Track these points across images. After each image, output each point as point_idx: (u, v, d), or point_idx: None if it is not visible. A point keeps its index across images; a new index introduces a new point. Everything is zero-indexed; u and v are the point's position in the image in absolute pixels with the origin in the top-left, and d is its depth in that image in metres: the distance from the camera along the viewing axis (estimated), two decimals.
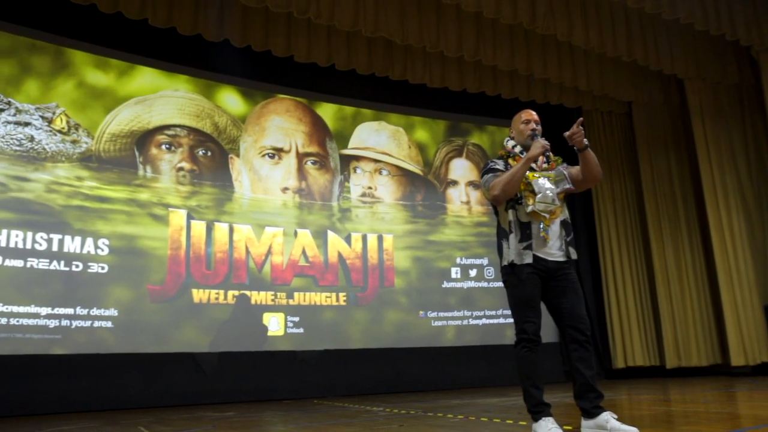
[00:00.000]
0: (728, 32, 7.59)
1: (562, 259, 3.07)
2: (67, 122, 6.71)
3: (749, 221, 8.37)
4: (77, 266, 6.46)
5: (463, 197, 9.04)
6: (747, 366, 7.90)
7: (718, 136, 8.55)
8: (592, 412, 2.89)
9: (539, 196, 3.04)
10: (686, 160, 9.14)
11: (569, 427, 3.10)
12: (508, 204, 3.09)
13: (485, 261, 8.80)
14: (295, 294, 7.59)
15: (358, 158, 8.49)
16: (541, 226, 3.04)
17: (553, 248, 3.06)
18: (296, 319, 7.51)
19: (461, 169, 9.15)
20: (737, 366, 7.90)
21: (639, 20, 7.93)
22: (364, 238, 8.21)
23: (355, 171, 8.42)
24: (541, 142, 3.09)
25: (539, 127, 3.20)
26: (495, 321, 8.62)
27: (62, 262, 6.38)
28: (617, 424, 2.78)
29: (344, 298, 7.89)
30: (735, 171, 8.48)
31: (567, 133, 3.06)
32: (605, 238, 9.21)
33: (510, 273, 3.05)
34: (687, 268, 8.76)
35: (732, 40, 7.86)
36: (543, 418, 2.86)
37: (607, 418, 2.82)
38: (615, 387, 7.01)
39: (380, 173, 8.57)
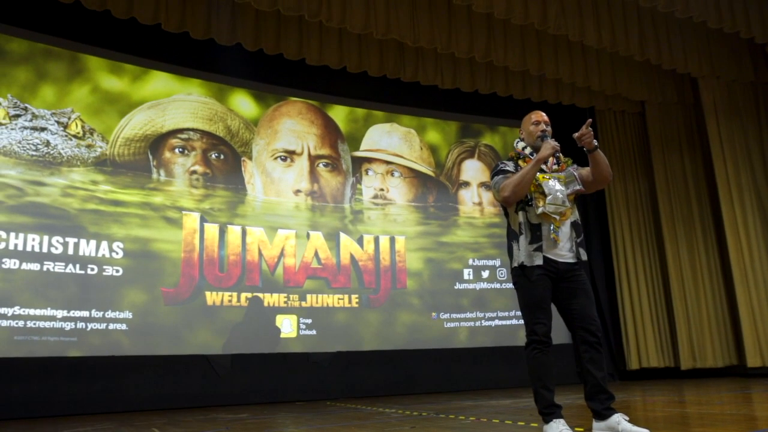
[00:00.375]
0: (742, 30, 7.52)
1: (572, 260, 3.07)
2: (82, 127, 6.79)
3: (765, 220, 8.29)
4: (92, 269, 6.53)
5: (475, 198, 9.03)
6: (764, 367, 7.82)
7: (733, 135, 8.48)
8: (603, 414, 2.88)
9: (549, 197, 3.03)
10: (700, 159, 9.06)
11: (581, 429, 3.09)
12: (518, 206, 3.09)
13: (497, 262, 8.78)
14: (308, 296, 7.62)
15: (370, 160, 8.51)
16: (552, 227, 3.04)
17: (564, 250, 3.05)
18: (309, 321, 7.53)
19: (473, 170, 9.14)
20: (753, 367, 7.83)
21: (652, 19, 7.88)
22: (377, 240, 8.22)
23: (367, 173, 8.44)
24: (550, 143, 3.08)
25: (549, 128, 3.19)
26: (508, 322, 8.59)
27: (78, 266, 6.46)
28: (628, 426, 2.77)
29: (356, 300, 7.90)
30: (750, 169, 8.41)
31: (576, 135, 3.06)
32: (619, 239, 9.15)
33: (520, 275, 3.05)
34: (702, 268, 8.68)
35: (746, 38, 7.78)
36: (554, 420, 2.86)
37: (619, 419, 2.82)
38: (629, 388, 6.97)
39: (392, 175, 8.58)
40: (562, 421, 2.85)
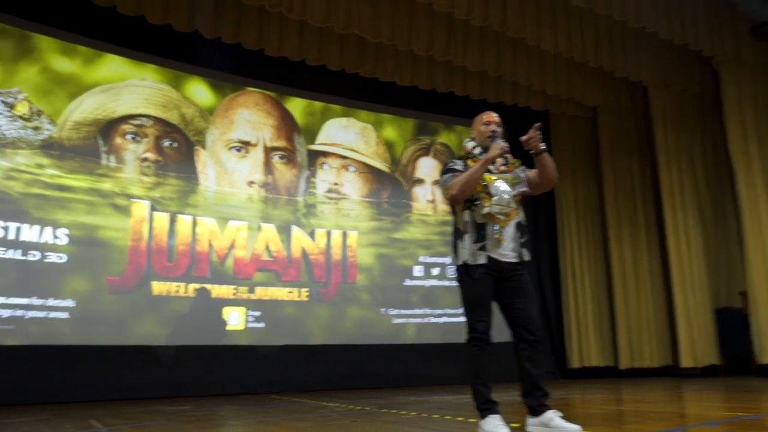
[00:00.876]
0: (691, 42, 7.76)
1: (515, 260, 3.12)
2: (30, 108, 6.59)
3: (704, 227, 8.57)
4: (34, 255, 6.34)
5: (429, 196, 9.10)
6: (696, 367, 8.11)
7: (679, 143, 8.74)
8: (537, 410, 2.96)
9: (495, 198, 3.08)
10: (648, 165, 9.32)
11: (517, 425, 3.16)
12: (465, 204, 3.13)
13: (448, 260, 8.86)
14: (257, 288, 7.56)
15: (325, 154, 8.49)
16: (496, 227, 3.08)
17: (507, 249, 3.10)
18: (257, 313, 7.48)
19: (428, 168, 9.21)
20: (686, 367, 8.11)
21: (607, 27, 8.05)
22: (329, 234, 8.21)
23: (322, 167, 8.41)
24: (499, 144, 3.13)
25: (500, 129, 3.24)
26: (455, 320, 8.67)
27: (19, 251, 6.26)
28: (561, 422, 2.85)
29: (306, 294, 7.88)
30: (693, 176, 8.67)
31: (524, 138, 3.11)
32: (566, 240, 9.37)
33: (463, 272, 3.10)
34: (644, 271, 8.95)
35: (695, 50, 8.04)
36: (490, 416, 2.92)
37: (552, 416, 2.89)
38: (570, 386, 7.15)
39: (347, 170, 8.58)
40: (498, 416, 2.92)
